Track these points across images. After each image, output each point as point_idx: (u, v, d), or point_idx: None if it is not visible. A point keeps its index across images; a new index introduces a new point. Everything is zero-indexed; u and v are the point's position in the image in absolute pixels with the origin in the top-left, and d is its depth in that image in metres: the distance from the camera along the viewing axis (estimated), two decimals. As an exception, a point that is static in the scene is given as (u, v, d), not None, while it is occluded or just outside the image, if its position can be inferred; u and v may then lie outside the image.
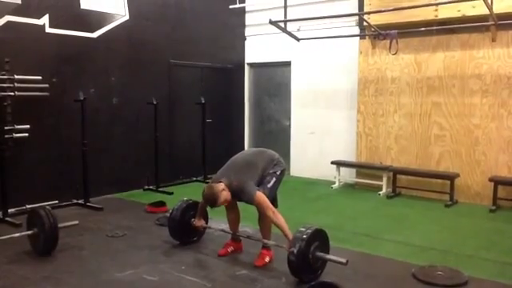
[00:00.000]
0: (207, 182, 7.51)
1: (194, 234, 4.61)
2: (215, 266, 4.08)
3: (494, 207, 6.03)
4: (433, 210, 6.11)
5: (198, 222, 4.40)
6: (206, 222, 4.59)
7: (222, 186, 3.92)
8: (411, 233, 5.11)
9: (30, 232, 4.27)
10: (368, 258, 4.32)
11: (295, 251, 3.53)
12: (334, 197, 6.98)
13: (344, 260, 3.56)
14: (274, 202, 4.08)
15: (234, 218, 4.34)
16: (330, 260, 3.68)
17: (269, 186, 4.03)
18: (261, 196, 3.86)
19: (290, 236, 3.71)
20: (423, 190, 6.77)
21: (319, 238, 3.71)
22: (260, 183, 4.02)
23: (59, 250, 4.29)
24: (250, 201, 3.89)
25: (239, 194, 3.95)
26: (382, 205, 6.48)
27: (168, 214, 5.60)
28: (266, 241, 4.07)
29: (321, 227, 3.81)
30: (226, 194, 3.91)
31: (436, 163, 6.75)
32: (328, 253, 3.77)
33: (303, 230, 3.66)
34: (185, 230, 4.51)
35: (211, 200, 3.90)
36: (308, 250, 3.57)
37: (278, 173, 4.13)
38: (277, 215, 3.85)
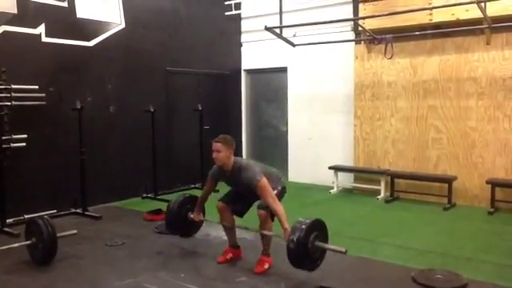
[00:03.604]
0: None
1: (191, 228, 4.59)
2: (214, 273, 4.07)
3: (491, 209, 6.04)
4: (431, 214, 6.12)
5: (197, 216, 4.38)
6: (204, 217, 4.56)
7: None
8: (410, 236, 5.12)
9: (28, 242, 4.25)
10: (367, 263, 4.32)
11: (295, 239, 3.50)
12: (332, 202, 6.98)
13: (343, 249, 3.55)
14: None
15: (229, 225, 4.29)
16: (329, 249, 3.65)
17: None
18: (265, 181, 3.82)
19: (287, 226, 3.66)
20: (421, 193, 6.78)
21: (318, 228, 3.67)
22: None
23: (58, 259, 4.27)
24: (253, 182, 3.82)
25: (242, 173, 3.91)
26: (380, 209, 6.49)
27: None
28: (265, 232, 3.98)
29: (320, 218, 3.76)
30: (230, 155, 3.95)
31: (433, 166, 6.77)
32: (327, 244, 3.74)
33: (302, 220, 3.63)
34: (182, 223, 4.48)
35: (222, 139, 3.95)
36: (307, 238, 3.53)
37: (279, 188, 4.10)
38: (277, 203, 3.80)
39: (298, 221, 3.64)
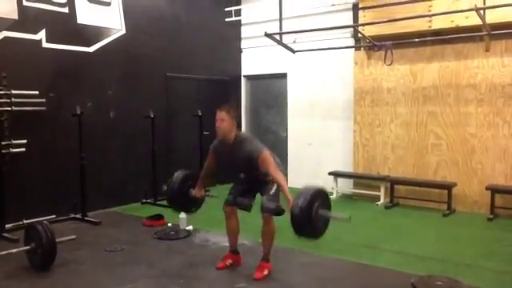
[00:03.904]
0: (205, 195, 7.52)
1: (192, 204, 4.54)
2: (214, 279, 4.06)
3: (491, 216, 6.04)
4: (431, 220, 6.12)
5: (198, 192, 4.33)
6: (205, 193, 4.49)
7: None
8: (410, 243, 5.11)
9: (27, 247, 4.24)
10: (367, 269, 4.31)
11: (299, 203, 3.48)
12: (332, 208, 6.94)
13: (346, 216, 3.55)
14: (280, 210, 3.95)
15: (233, 229, 4.28)
16: (333, 217, 3.64)
17: (271, 192, 3.95)
18: (267, 153, 3.79)
19: (290, 197, 3.62)
20: (421, 199, 6.78)
21: (321, 197, 3.65)
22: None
23: (57, 265, 4.26)
24: (254, 154, 3.78)
25: (243, 146, 3.86)
26: (380, 215, 6.48)
27: (166, 228, 5.62)
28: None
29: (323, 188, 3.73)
30: (233, 126, 3.93)
31: (433, 172, 6.77)
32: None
33: (305, 189, 3.61)
34: (184, 200, 4.42)
35: (227, 109, 3.94)
36: (311, 206, 3.51)
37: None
38: (278, 173, 3.75)
39: (300, 191, 3.60)
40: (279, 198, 3.99)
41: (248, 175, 4.06)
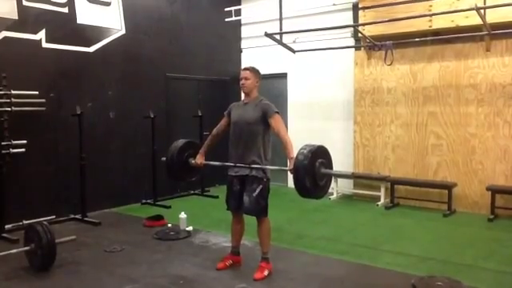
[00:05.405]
0: (205, 196, 7.52)
1: (191, 173, 4.53)
2: (214, 279, 4.06)
3: (492, 216, 6.03)
4: (431, 220, 6.11)
5: (199, 158, 4.32)
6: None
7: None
8: (410, 243, 5.10)
9: (27, 248, 4.24)
10: (367, 270, 4.30)
11: (305, 152, 3.50)
12: (333, 208, 6.96)
13: (349, 173, 3.55)
14: (266, 209, 4.04)
15: (238, 230, 4.29)
16: (336, 175, 3.63)
17: (254, 194, 3.99)
18: (279, 116, 4.06)
19: (294, 155, 3.70)
20: (421, 199, 6.77)
21: (323, 156, 3.68)
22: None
23: (57, 265, 4.26)
24: (271, 109, 4.06)
25: (262, 101, 4.14)
26: (380, 215, 6.47)
27: (166, 229, 5.61)
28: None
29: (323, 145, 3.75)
30: (257, 84, 4.25)
31: (433, 173, 6.76)
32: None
33: (308, 144, 3.64)
34: (182, 170, 4.40)
35: (250, 68, 4.29)
36: (314, 160, 3.54)
37: (264, 180, 4.08)
38: (287, 136, 4.00)
39: (304, 146, 3.63)
40: (265, 197, 4.05)
41: (247, 142, 4.07)
